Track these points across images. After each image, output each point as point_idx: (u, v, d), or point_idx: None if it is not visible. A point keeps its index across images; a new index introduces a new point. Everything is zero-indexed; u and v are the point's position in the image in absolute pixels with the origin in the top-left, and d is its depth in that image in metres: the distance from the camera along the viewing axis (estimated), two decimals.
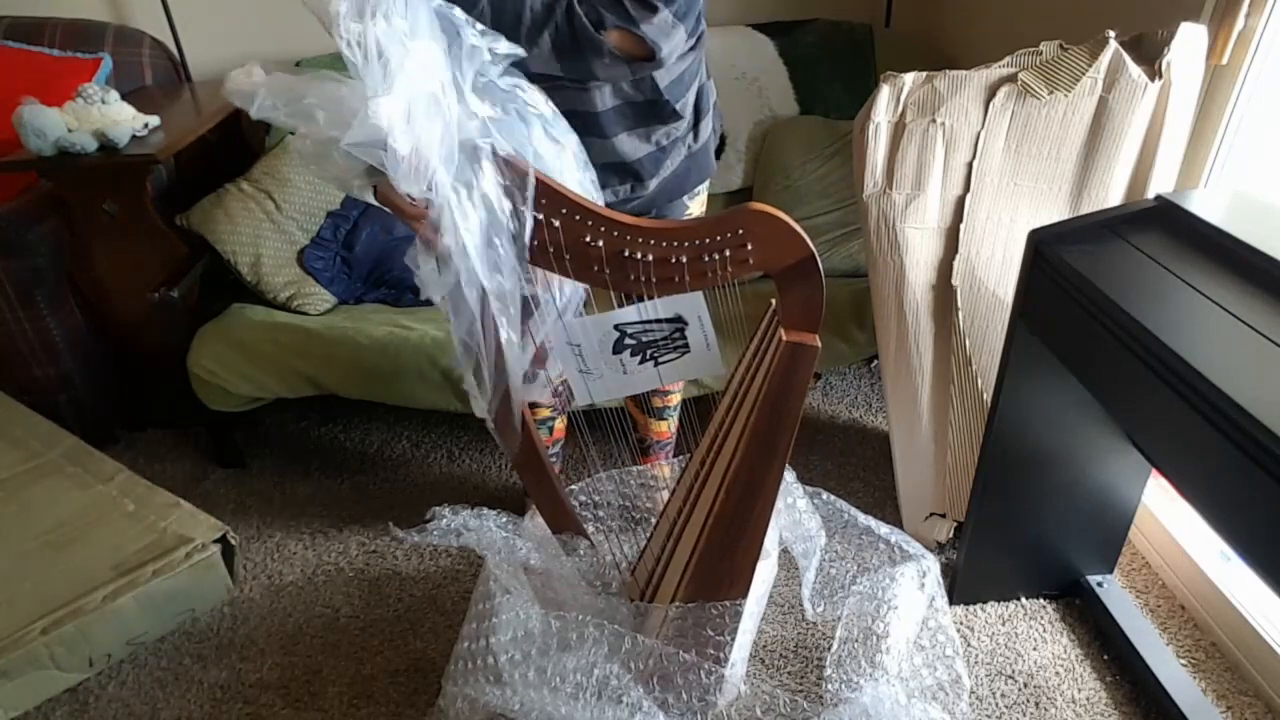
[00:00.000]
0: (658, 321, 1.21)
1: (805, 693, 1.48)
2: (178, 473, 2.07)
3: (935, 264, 1.56)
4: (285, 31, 2.32)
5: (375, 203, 1.06)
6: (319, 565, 1.79)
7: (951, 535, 1.74)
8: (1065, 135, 1.45)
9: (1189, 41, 1.34)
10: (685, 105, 1.33)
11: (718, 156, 2.35)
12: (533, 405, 1.54)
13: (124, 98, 1.86)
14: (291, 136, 1.10)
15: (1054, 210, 1.50)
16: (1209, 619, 1.53)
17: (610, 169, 1.34)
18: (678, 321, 1.21)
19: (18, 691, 1.42)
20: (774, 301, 1.23)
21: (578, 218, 1.08)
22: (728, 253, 1.09)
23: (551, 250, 1.10)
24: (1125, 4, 1.64)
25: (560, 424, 1.74)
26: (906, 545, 1.49)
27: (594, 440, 1.87)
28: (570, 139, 1.14)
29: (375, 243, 2.18)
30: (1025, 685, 1.47)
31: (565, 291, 1.26)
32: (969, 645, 1.55)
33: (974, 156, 1.48)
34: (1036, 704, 1.44)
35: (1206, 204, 1.23)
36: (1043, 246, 1.25)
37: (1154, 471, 1.48)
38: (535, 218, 1.09)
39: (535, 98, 1.08)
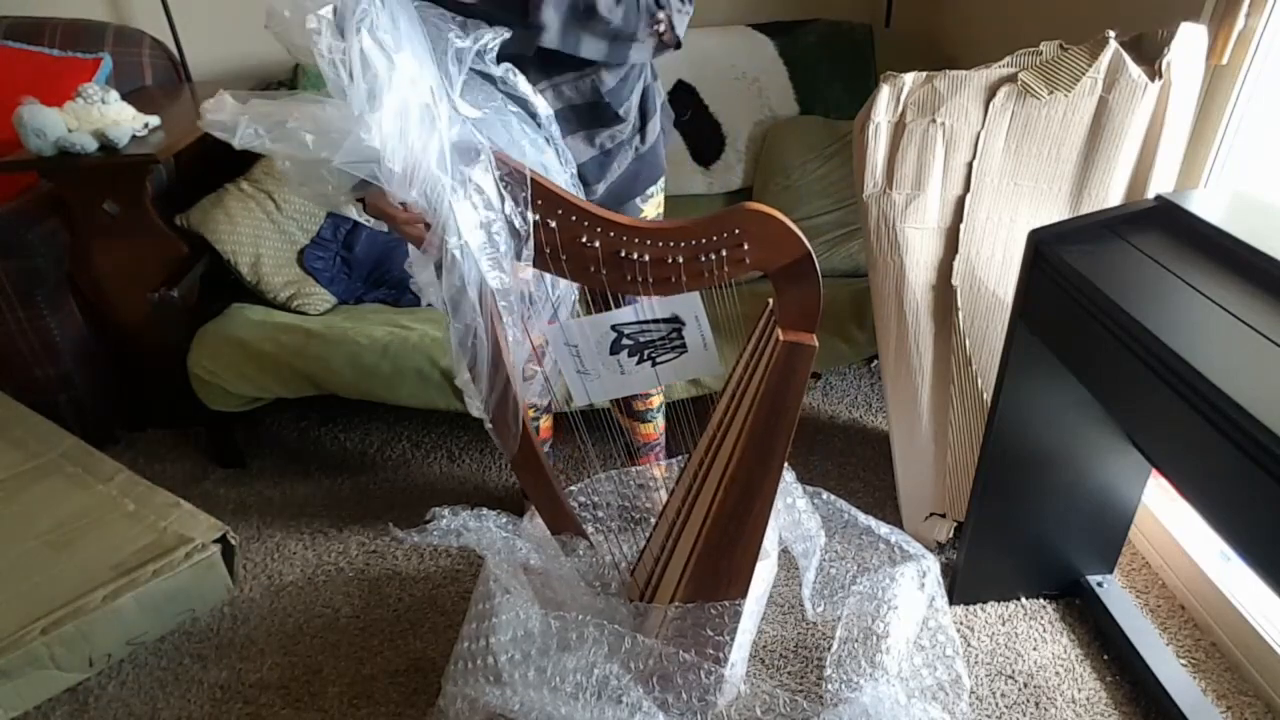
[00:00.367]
0: (655, 322, 1.21)
1: (805, 693, 1.48)
2: (178, 473, 2.07)
3: (935, 264, 1.56)
4: None
5: (363, 218, 1.06)
6: (319, 565, 1.79)
7: (951, 535, 1.74)
8: (1065, 135, 1.45)
9: (1189, 41, 1.34)
10: (629, 109, 1.31)
11: (717, 157, 2.38)
12: None
13: (124, 98, 1.87)
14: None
15: (1054, 210, 1.50)
16: (1209, 619, 1.53)
17: None
18: (675, 322, 1.21)
19: (18, 691, 1.42)
20: (771, 301, 1.23)
21: (574, 218, 1.08)
22: (724, 253, 1.09)
23: (548, 251, 1.10)
24: (1125, 4, 1.64)
25: (546, 423, 1.74)
26: (906, 545, 1.49)
27: (592, 441, 1.87)
28: (554, 131, 1.13)
29: (375, 243, 2.18)
30: (1025, 685, 1.47)
31: (559, 288, 1.26)
32: (969, 645, 1.55)
33: (974, 156, 1.47)
34: (1036, 704, 1.44)
35: (1206, 204, 1.22)
36: (1043, 246, 1.25)
37: (1154, 471, 1.48)
38: (532, 218, 1.09)
39: (524, 86, 1.08)
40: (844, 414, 2.21)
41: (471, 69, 1.03)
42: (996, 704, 1.45)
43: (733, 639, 1.31)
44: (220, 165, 2.07)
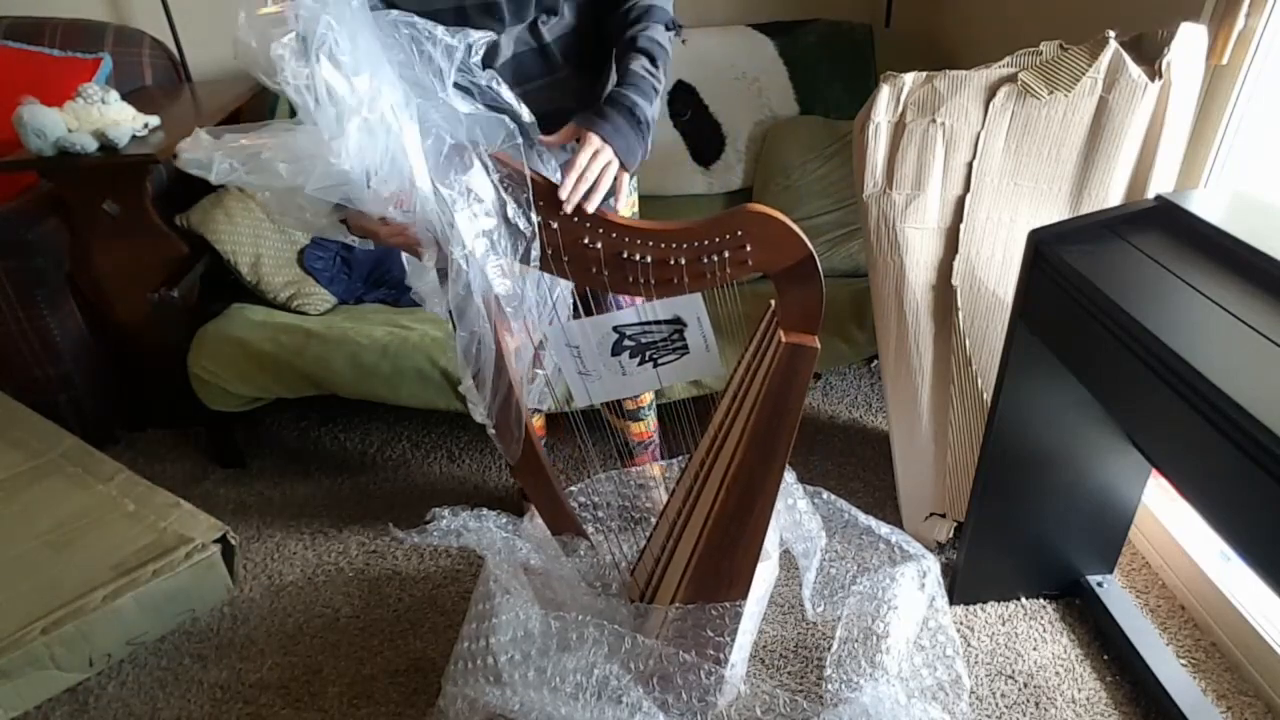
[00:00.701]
0: (656, 323, 1.21)
1: (805, 693, 1.48)
2: (178, 473, 2.07)
3: (935, 264, 1.56)
4: None
5: (350, 238, 1.06)
6: (319, 565, 1.79)
7: (951, 535, 1.74)
8: (1065, 135, 1.45)
9: (1189, 41, 1.34)
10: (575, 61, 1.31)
11: (717, 157, 2.38)
12: None
13: (124, 98, 1.87)
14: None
15: (1054, 210, 1.50)
16: (1209, 619, 1.53)
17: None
18: (676, 323, 1.21)
19: (18, 691, 1.42)
20: (773, 302, 1.23)
21: (576, 219, 1.08)
22: (726, 254, 1.09)
23: (550, 252, 1.10)
24: (1125, 4, 1.64)
25: (538, 422, 1.74)
26: (906, 545, 1.49)
27: (593, 441, 1.87)
28: (538, 138, 1.14)
29: None
30: (1025, 685, 1.47)
31: (558, 289, 1.26)
32: (969, 645, 1.55)
33: (974, 156, 1.47)
34: (1036, 704, 1.44)
35: (1206, 204, 1.23)
36: (1043, 246, 1.25)
37: (1154, 471, 1.48)
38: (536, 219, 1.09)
39: (508, 94, 1.08)
40: (844, 414, 2.21)
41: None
42: (996, 704, 1.45)
43: (733, 640, 1.31)
44: None
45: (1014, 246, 1.51)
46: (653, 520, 1.55)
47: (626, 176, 1.15)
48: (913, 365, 1.64)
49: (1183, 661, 1.49)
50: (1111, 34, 1.39)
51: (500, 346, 1.14)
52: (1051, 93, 1.41)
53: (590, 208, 1.07)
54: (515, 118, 1.05)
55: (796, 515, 1.48)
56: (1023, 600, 1.63)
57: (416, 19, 0.98)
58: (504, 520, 1.42)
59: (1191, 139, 1.45)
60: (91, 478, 1.73)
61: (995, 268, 1.54)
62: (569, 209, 1.07)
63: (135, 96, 1.97)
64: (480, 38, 1.01)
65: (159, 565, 1.52)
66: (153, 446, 2.16)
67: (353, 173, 0.91)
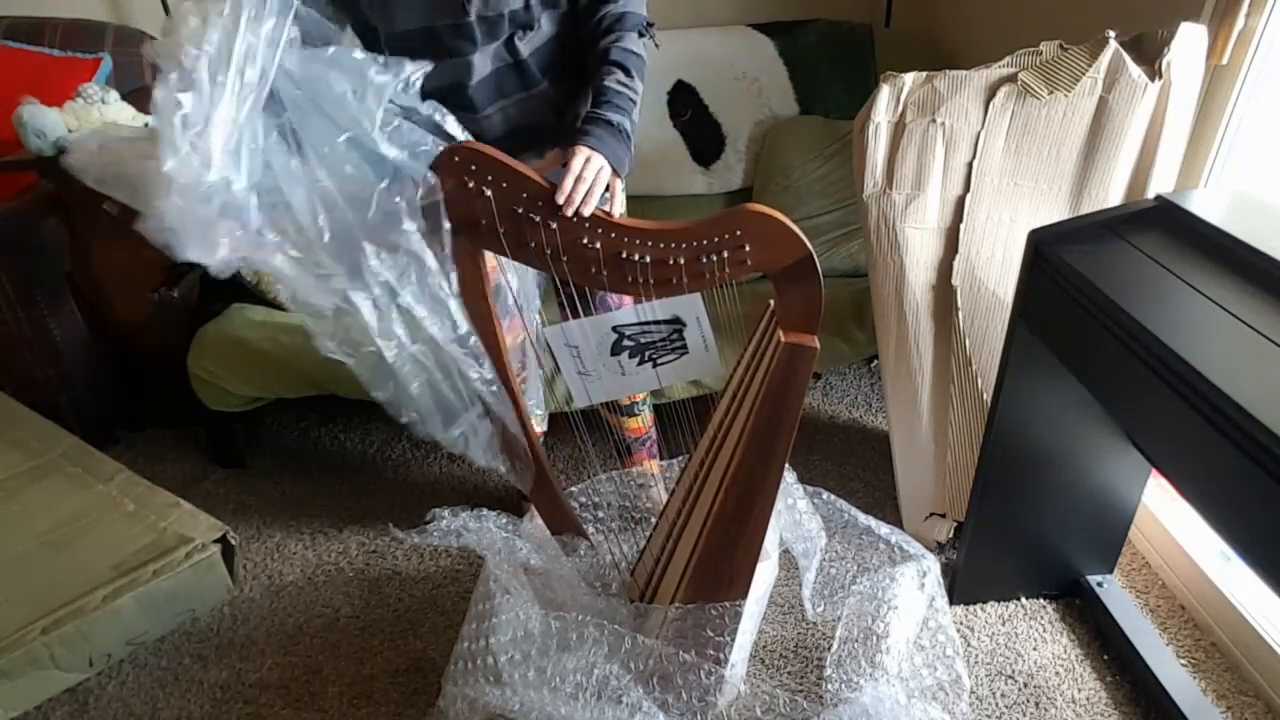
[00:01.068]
0: (656, 323, 1.21)
1: (805, 693, 1.48)
2: (178, 473, 2.07)
3: (935, 264, 1.56)
4: None
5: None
6: (319, 565, 1.79)
7: (951, 535, 1.74)
8: (1065, 135, 1.45)
9: (1189, 41, 1.34)
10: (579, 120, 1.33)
11: (717, 157, 2.38)
12: None
13: (124, 98, 1.87)
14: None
15: (1054, 210, 1.50)
16: (1209, 619, 1.53)
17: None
18: (676, 323, 1.21)
19: (18, 691, 1.42)
20: (772, 302, 1.23)
21: (574, 220, 1.09)
22: (725, 254, 1.09)
23: (549, 252, 1.10)
24: (1125, 4, 1.64)
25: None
26: (906, 545, 1.49)
27: (592, 441, 1.87)
28: None
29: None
30: (1025, 685, 1.47)
31: (528, 285, 1.27)
32: (969, 645, 1.55)
33: (974, 156, 1.47)
34: (1036, 704, 1.44)
35: (1206, 204, 1.22)
36: (1043, 246, 1.25)
37: (1154, 471, 1.48)
38: (533, 219, 1.09)
39: (453, 125, 1.08)
40: (844, 414, 2.21)
41: (399, 108, 1.03)
42: (996, 704, 1.45)
43: (733, 639, 1.31)
44: None
45: (1014, 246, 1.51)
46: (653, 520, 1.55)
47: (619, 182, 1.16)
48: (913, 365, 1.64)
49: (1183, 661, 1.48)
50: (1111, 34, 1.39)
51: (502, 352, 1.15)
52: (1051, 93, 1.41)
53: (587, 211, 1.08)
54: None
55: (796, 515, 1.48)
56: (1023, 600, 1.63)
57: (355, 54, 0.99)
58: (504, 520, 1.42)
59: (1191, 139, 1.45)
60: (91, 478, 1.73)
61: (995, 268, 1.54)
62: (568, 212, 1.07)
63: (135, 96, 1.97)
64: (414, 70, 1.02)
65: (159, 565, 1.51)
66: (153, 446, 2.16)
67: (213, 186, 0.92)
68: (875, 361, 2.29)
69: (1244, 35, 1.34)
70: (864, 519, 1.52)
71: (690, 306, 1.19)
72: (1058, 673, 1.49)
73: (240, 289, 2.00)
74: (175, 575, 1.52)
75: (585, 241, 1.10)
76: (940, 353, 1.62)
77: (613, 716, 1.20)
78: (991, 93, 1.44)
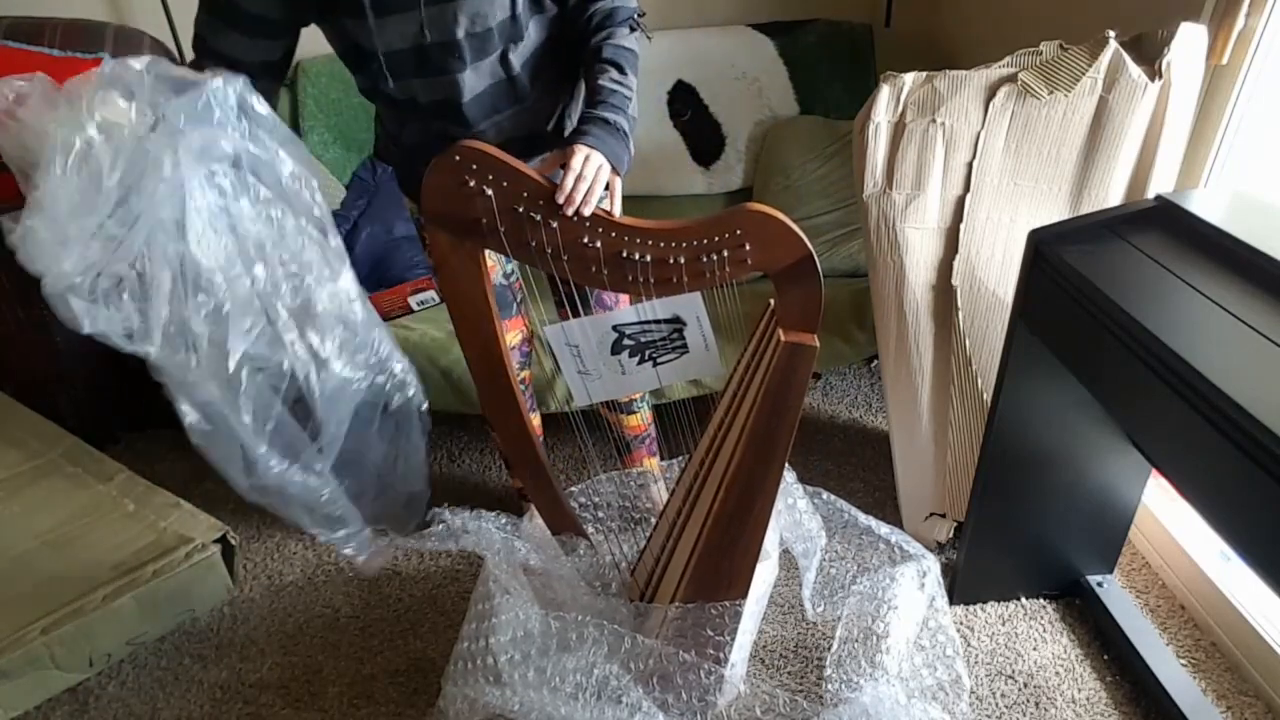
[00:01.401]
0: (656, 322, 1.21)
1: (805, 693, 1.48)
2: (178, 473, 2.06)
3: (935, 264, 1.56)
4: None
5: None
6: (319, 565, 1.79)
7: (951, 535, 1.74)
8: (1065, 135, 1.45)
9: (1189, 41, 1.34)
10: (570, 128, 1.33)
11: (717, 157, 2.38)
12: None
13: None
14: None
15: (1054, 210, 1.50)
16: (1209, 619, 1.53)
17: None
18: (676, 322, 1.21)
19: (18, 691, 1.42)
20: (772, 301, 1.23)
21: (575, 219, 1.09)
22: (726, 253, 1.09)
23: (549, 251, 1.10)
24: (1125, 4, 1.64)
25: (534, 421, 1.73)
26: (906, 545, 1.49)
27: (593, 441, 1.87)
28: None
29: (375, 243, 2.18)
30: (1025, 685, 1.47)
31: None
32: (969, 645, 1.55)
33: (974, 156, 1.47)
34: (1036, 704, 1.44)
35: (1206, 204, 1.22)
36: (1043, 246, 1.25)
37: (1154, 471, 1.48)
38: (533, 218, 1.09)
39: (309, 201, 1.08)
40: (844, 414, 2.21)
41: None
42: (996, 704, 1.45)
43: (733, 639, 1.31)
44: None
45: (1014, 246, 1.51)
46: (652, 520, 1.55)
47: (619, 181, 1.16)
48: (913, 365, 1.64)
49: (1183, 661, 1.48)
50: (1111, 34, 1.39)
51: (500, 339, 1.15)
52: (1051, 93, 1.41)
53: (587, 210, 1.08)
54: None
55: (796, 515, 1.48)
56: (1023, 600, 1.63)
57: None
58: (504, 521, 1.42)
59: (1191, 139, 1.45)
60: (91, 478, 1.73)
61: (995, 268, 1.54)
62: (569, 211, 1.07)
63: None
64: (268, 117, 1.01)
65: (159, 565, 1.52)
66: (153, 446, 2.16)
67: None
68: (875, 361, 2.29)
69: (1244, 35, 1.34)
70: (864, 519, 1.52)
71: (690, 306, 1.19)
72: (1058, 673, 1.49)
73: None
74: (175, 575, 1.52)
75: (586, 240, 1.10)
76: (940, 353, 1.62)
77: (612, 716, 1.20)
78: (991, 93, 1.44)
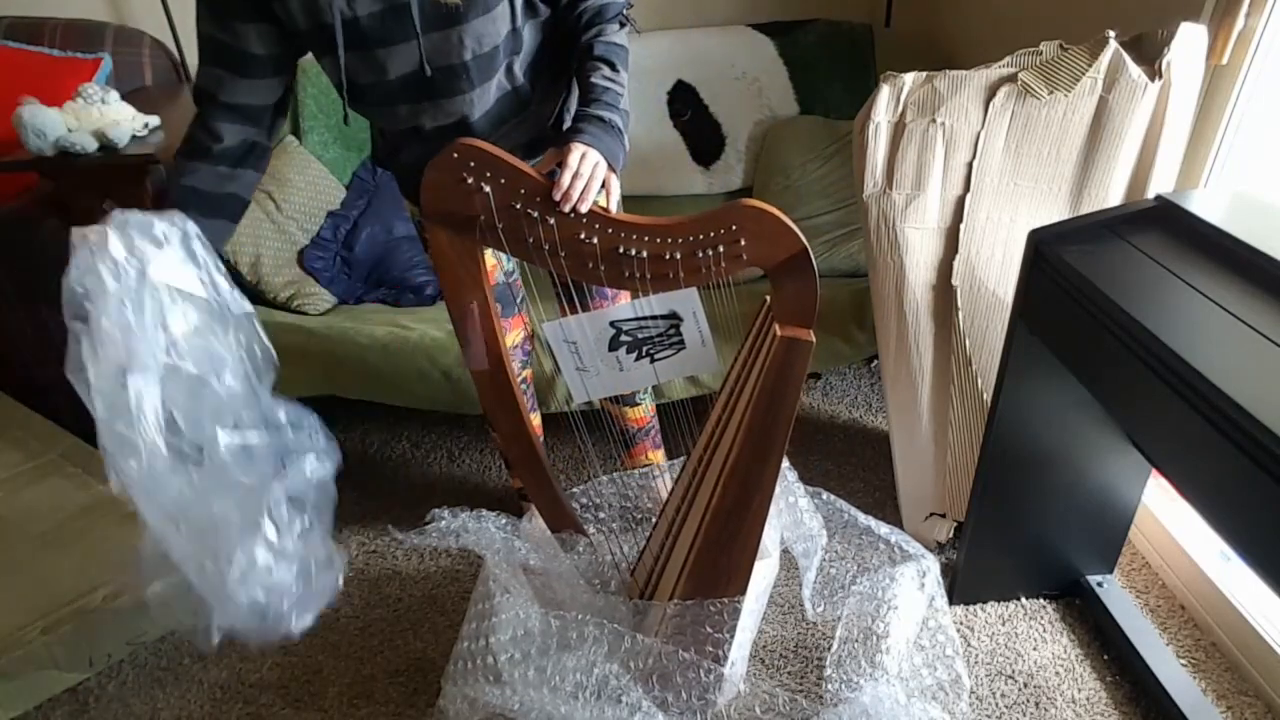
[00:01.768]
0: (653, 318, 1.21)
1: (805, 693, 1.48)
2: None
3: (935, 264, 1.56)
4: None
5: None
6: None
7: (951, 535, 1.74)
8: (1065, 135, 1.45)
9: (1189, 41, 1.34)
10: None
11: (717, 157, 2.38)
12: None
13: (124, 98, 1.87)
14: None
15: (1054, 210, 1.50)
16: (1209, 619, 1.53)
17: None
18: (673, 318, 1.21)
19: (18, 691, 1.42)
20: (768, 298, 1.24)
21: (572, 215, 1.09)
22: (721, 249, 1.10)
23: (547, 248, 1.11)
24: (1125, 4, 1.64)
25: (534, 421, 1.73)
26: (906, 545, 1.49)
27: (593, 441, 1.87)
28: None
29: (375, 243, 2.18)
30: (1025, 685, 1.47)
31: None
32: (969, 645, 1.55)
33: (974, 156, 1.47)
34: (1036, 704, 1.44)
35: (1206, 204, 1.22)
36: (1043, 246, 1.25)
37: (1154, 471, 1.48)
38: (530, 215, 1.09)
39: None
40: (844, 414, 2.21)
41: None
42: (996, 704, 1.45)
43: (732, 637, 1.31)
44: None
45: (1014, 246, 1.51)
46: (653, 520, 1.55)
47: (615, 178, 1.16)
48: (913, 365, 1.64)
49: (1183, 661, 1.48)
50: (1111, 34, 1.39)
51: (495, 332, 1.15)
52: (1051, 93, 1.41)
53: (584, 207, 1.08)
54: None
55: (797, 514, 1.48)
56: (1023, 600, 1.63)
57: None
58: (504, 521, 1.42)
59: (1191, 139, 1.45)
60: (91, 478, 1.73)
61: (995, 268, 1.54)
62: (565, 207, 1.07)
63: (135, 96, 1.97)
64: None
65: None
66: None
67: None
68: (875, 361, 2.29)
69: (1244, 35, 1.34)
70: (864, 519, 1.52)
71: (687, 301, 1.19)
72: (1058, 673, 1.49)
73: (240, 289, 2.00)
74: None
75: (583, 237, 1.10)
76: (940, 353, 1.62)
77: (613, 716, 1.20)
78: (991, 93, 1.44)
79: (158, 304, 0.99)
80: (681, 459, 1.55)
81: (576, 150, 1.10)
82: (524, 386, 1.68)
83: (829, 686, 1.36)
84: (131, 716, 1.49)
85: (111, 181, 1.84)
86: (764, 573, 1.44)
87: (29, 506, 1.66)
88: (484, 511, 1.41)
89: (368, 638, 1.62)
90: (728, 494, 1.22)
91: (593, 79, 1.18)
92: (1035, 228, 1.29)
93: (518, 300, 1.54)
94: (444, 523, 1.37)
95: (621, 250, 1.11)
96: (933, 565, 1.45)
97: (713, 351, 1.25)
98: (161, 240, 1.02)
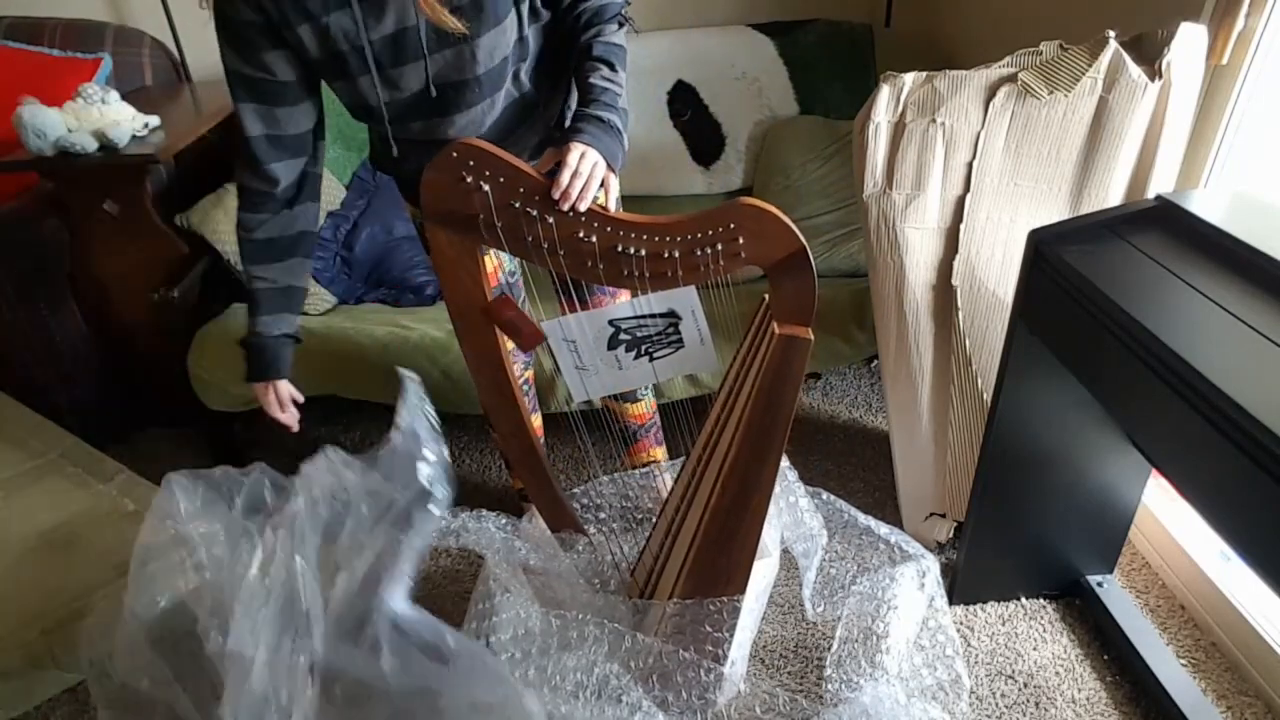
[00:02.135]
0: (652, 316, 1.21)
1: (805, 693, 1.48)
2: None
3: (935, 264, 1.56)
4: None
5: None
6: None
7: (951, 535, 1.74)
8: (1065, 135, 1.45)
9: (1189, 41, 1.34)
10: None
11: (717, 157, 2.38)
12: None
13: (124, 98, 1.87)
14: None
15: (1054, 210, 1.50)
16: (1209, 619, 1.53)
17: None
18: (671, 316, 1.21)
19: (18, 691, 1.42)
20: (766, 296, 1.24)
21: (571, 214, 1.09)
22: (720, 247, 1.10)
23: (545, 246, 1.11)
24: (1125, 4, 1.64)
25: (535, 422, 1.73)
26: (906, 545, 1.49)
27: (592, 441, 1.87)
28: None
29: (375, 243, 2.18)
30: (1025, 685, 1.47)
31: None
32: (969, 645, 1.55)
33: (974, 156, 1.47)
34: (1036, 704, 1.44)
35: (1206, 204, 1.22)
36: (1043, 246, 1.25)
37: (1154, 471, 1.48)
38: (530, 213, 1.09)
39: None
40: (844, 414, 2.21)
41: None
42: (996, 704, 1.45)
43: (732, 636, 1.31)
44: (220, 165, 2.07)
45: (1014, 246, 1.51)
46: (654, 520, 1.55)
47: (614, 177, 1.17)
48: (913, 365, 1.64)
49: (1183, 661, 1.48)
50: (1111, 34, 1.39)
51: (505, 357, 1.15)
52: (1051, 93, 1.41)
53: (583, 205, 1.08)
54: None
55: (797, 514, 1.48)
56: (1023, 600, 1.63)
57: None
58: (503, 520, 1.42)
59: (1191, 139, 1.45)
60: (91, 478, 1.73)
61: (995, 268, 1.54)
62: (564, 206, 1.07)
63: (135, 96, 1.97)
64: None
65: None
66: (153, 446, 2.16)
67: None
68: (875, 361, 2.29)
69: (1244, 35, 1.34)
70: (864, 519, 1.52)
71: (686, 300, 1.19)
72: (1058, 673, 1.49)
73: (240, 289, 2.00)
74: None
75: (581, 235, 1.11)
76: (940, 353, 1.62)
77: (613, 715, 1.20)
78: (991, 93, 1.44)
79: None
80: (681, 459, 1.55)
81: (576, 149, 1.10)
82: (525, 387, 1.68)
83: (829, 686, 1.36)
84: None
85: (111, 181, 1.84)
86: (763, 572, 1.44)
87: (29, 506, 1.65)
88: (484, 511, 1.41)
89: None
90: (727, 492, 1.22)
91: (591, 79, 1.18)
92: (1035, 228, 1.29)
93: (519, 301, 1.54)
94: (444, 523, 1.37)
95: (620, 249, 1.11)
96: (933, 565, 1.45)
97: (711, 350, 1.25)
98: None
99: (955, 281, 1.55)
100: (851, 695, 1.32)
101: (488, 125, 1.25)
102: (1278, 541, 0.88)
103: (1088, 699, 1.44)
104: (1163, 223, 1.24)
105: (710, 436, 1.35)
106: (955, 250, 1.53)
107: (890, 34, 2.50)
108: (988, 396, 1.56)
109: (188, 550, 1.16)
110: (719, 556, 1.27)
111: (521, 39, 1.21)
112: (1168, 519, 1.63)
